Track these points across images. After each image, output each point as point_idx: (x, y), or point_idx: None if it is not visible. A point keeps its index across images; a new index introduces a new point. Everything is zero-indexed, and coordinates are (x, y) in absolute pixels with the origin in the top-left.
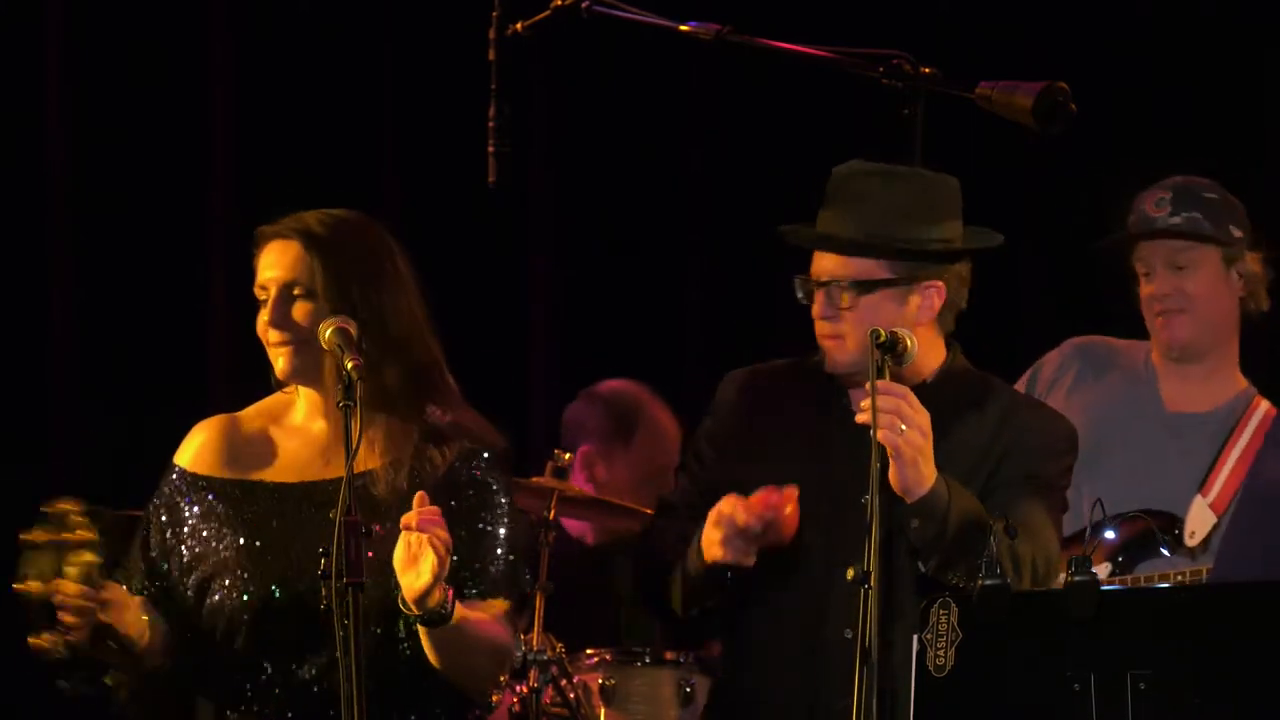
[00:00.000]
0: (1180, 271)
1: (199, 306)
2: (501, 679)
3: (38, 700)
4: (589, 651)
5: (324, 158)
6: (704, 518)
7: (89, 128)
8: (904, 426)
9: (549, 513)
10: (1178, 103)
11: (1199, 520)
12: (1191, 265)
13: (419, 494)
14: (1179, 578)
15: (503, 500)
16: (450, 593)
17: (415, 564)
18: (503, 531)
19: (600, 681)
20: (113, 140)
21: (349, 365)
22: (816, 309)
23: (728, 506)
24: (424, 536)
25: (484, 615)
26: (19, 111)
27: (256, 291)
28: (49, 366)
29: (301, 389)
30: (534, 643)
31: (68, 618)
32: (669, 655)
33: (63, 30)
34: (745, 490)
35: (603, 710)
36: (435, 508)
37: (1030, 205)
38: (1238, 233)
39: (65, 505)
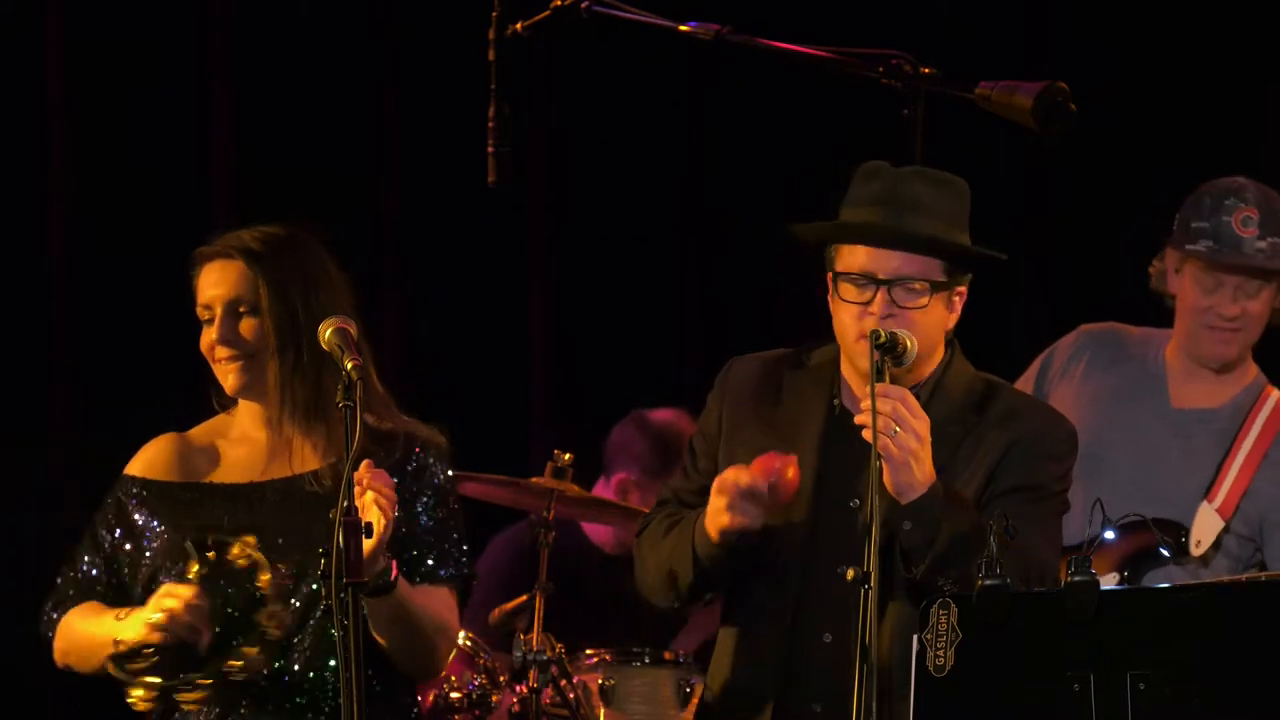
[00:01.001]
0: (1250, 295)
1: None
2: (443, 668)
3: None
4: (589, 651)
5: (324, 158)
6: (698, 506)
7: (89, 128)
8: (897, 429)
9: (549, 513)
10: (1178, 103)
11: (1205, 528)
12: (1260, 289)
13: (365, 461)
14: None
15: (445, 493)
16: (394, 563)
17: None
18: (447, 523)
19: (600, 681)
20: (113, 140)
21: (349, 365)
22: (876, 307)
23: (730, 473)
24: (366, 503)
25: (430, 598)
26: (19, 111)
27: (200, 312)
28: (49, 366)
29: (242, 403)
30: (534, 643)
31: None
32: (669, 655)
33: (63, 30)
34: None
35: (602, 710)
36: (383, 471)
37: (1030, 205)
38: None
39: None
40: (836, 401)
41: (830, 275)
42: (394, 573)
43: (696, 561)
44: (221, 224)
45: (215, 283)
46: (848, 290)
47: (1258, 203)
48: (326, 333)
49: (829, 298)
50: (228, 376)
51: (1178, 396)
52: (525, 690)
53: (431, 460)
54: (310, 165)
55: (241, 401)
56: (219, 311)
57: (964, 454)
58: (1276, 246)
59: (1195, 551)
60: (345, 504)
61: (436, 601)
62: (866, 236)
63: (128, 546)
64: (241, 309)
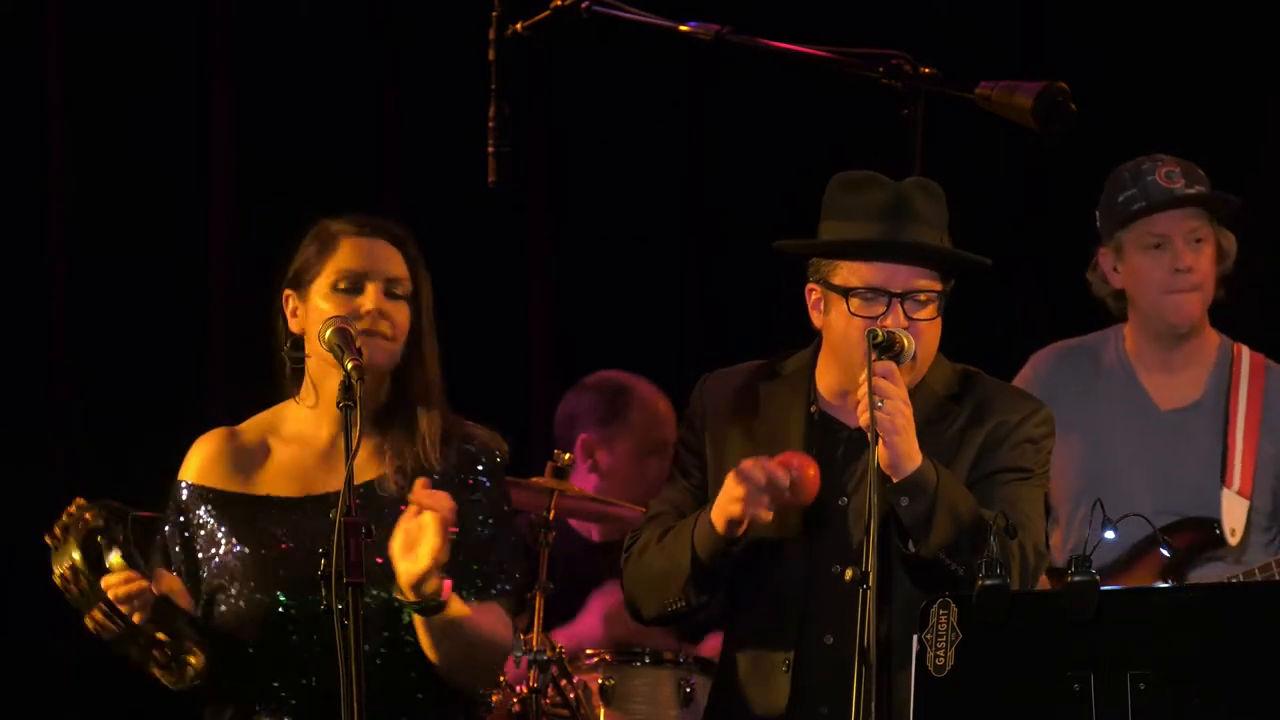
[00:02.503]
0: (1198, 245)
1: (199, 308)
2: (499, 679)
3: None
4: (589, 651)
5: (324, 158)
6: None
7: (89, 128)
8: (880, 401)
9: (549, 513)
10: (1178, 103)
11: (1234, 515)
12: (1205, 240)
13: (419, 480)
14: (1233, 580)
15: (502, 502)
16: (448, 583)
17: (413, 549)
18: (502, 533)
19: (600, 681)
20: (113, 140)
21: (349, 365)
22: (891, 321)
23: (752, 463)
24: (423, 523)
25: (484, 613)
26: (19, 111)
27: (337, 277)
28: (49, 366)
29: (321, 397)
30: (534, 643)
31: (123, 606)
32: (669, 655)
33: (63, 30)
34: None
35: (602, 710)
36: (445, 493)
37: (1030, 205)
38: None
39: (74, 506)
40: (814, 408)
41: (817, 285)
42: (445, 592)
43: (695, 560)
44: (222, 224)
45: (370, 257)
46: (857, 304)
47: (1175, 161)
48: (326, 333)
49: (816, 308)
50: (378, 353)
51: (1160, 396)
52: (525, 690)
53: (484, 467)
54: (310, 165)
55: (321, 396)
56: (375, 286)
57: (949, 443)
58: (1203, 193)
59: (1232, 541)
60: (345, 504)
61: (490, 617)
62: (889, 253)
63: (190, 555)
64: (398, 291)
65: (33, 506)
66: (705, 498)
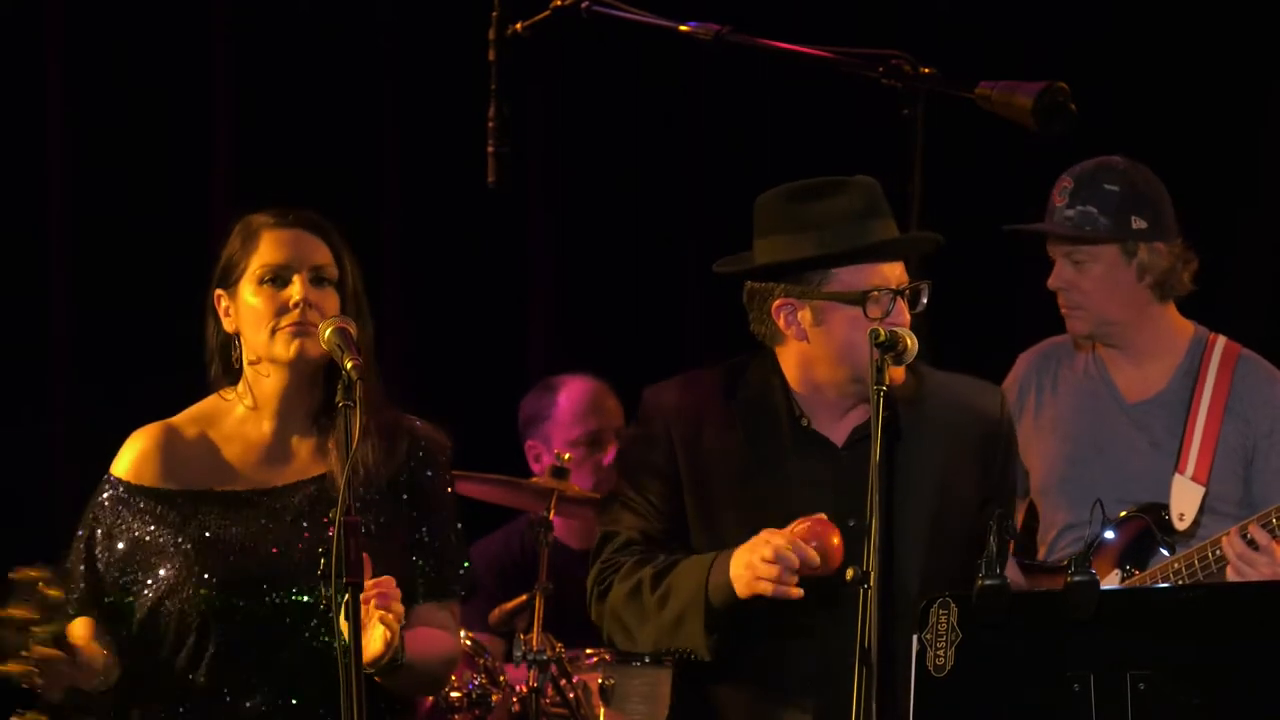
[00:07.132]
0: (1078, 266)
1: (199, 309)
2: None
3: None
4: (589, 651)
5: (324, 158)
6: (668, 548)
7: (89, 128)
8: None
9: (549, 512)
10: (1178, 103)
11: (1184, 500)
12: (1087, 260)
13: (365, 568)
14: (1176, 565)
15: (450, 497)
16: (401, 642)
17: (365, 632)
18: (451, 528)
19: (600, 681)
20: (113, 140)
21: (349, 365)
22: (897, 318)
23: (781, 542)
24: (370, 610)
25: (433, 624)
26: (19, 111)
27: (262, 271)
28: (49, 368)
29: (253, 394)
30: (534, 643)
31: (38, 678)
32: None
33: (63, 30)
34: (721, 515)
35: (602, 710)
36: (389, 578)
37: (1030, 205)
38: (1139, 223)
39: (32, 573)
40: (804, 420)
41: (797, 298)
42: (401, 653)
43: (710, 610)
44: (221, 224)
45: (293, 247)
46: (871, 308)
47: (1078, 173)
48: (326, 332)
49: (792, 323)
50: (305, 343)
51: (1127, 389)
52: (525, 690)
53: (434, 465)
54: (310, 165)
55: (257, 397)
56: (301, 277)
57: (955, 452)
58: (1087, 215)
59: (1180, 526)
60: (345, 504)
61: (440, 621)
62: (901, 249)
63: (119, 557)
64: (325, 276)
65: (33, 506)
66: (672, 516)
